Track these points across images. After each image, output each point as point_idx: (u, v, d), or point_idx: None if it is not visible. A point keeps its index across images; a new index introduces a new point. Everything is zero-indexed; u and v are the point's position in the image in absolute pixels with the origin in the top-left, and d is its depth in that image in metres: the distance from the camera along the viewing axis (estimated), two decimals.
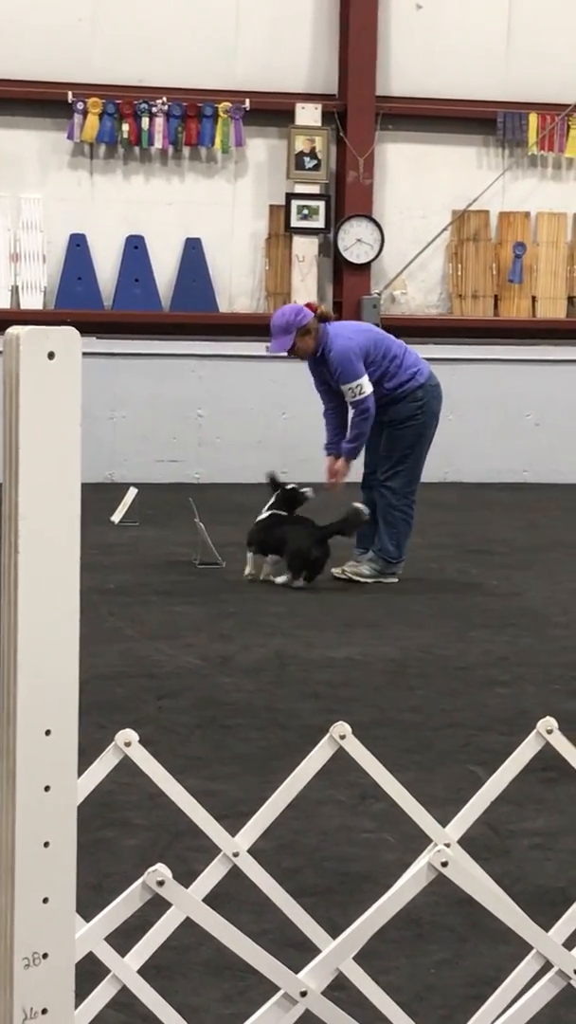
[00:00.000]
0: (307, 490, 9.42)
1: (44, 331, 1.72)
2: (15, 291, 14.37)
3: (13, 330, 1.72)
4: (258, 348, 14.60)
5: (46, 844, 1.79)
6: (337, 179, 15.17)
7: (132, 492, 11.41)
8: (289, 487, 9.45)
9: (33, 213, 14.42)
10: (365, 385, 9.18)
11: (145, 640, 7.54)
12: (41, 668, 1.76)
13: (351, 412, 9.26)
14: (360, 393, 9.15)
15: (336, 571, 9.41)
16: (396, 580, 9.36)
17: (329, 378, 9.32)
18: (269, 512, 9.37)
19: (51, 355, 1.71)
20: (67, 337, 1.73)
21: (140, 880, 2.23)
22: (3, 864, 1.79)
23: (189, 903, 2.25)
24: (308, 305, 9.55)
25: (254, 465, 14.46)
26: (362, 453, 9.59)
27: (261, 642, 7.58)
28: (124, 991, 2.38)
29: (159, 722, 6.01)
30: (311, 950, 2.40)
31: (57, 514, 1.74)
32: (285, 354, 9.47)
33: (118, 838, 4.67)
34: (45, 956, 1.81)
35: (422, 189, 15.35)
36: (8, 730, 1.76)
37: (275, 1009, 2.31)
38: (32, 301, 14.39)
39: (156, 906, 2.33)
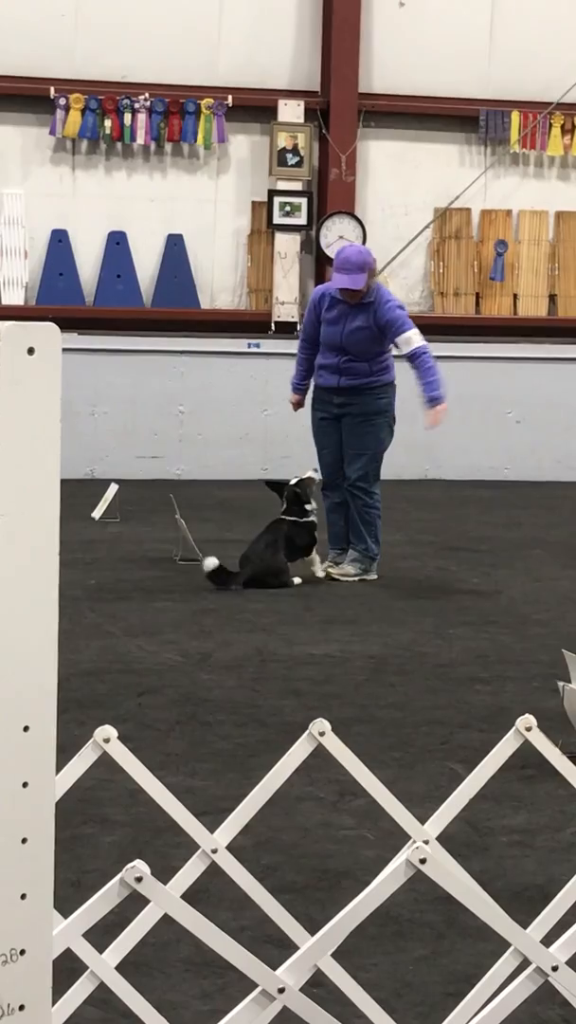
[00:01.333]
0: (310, 473, 9.40)
1: (24, 327, 1.71)
2: None
3: None
4: (240, 345, 14.61)
5: (24, 840, 1.79)
6: (319, 176, 15.18)
7: (113, 488, 11.41)
8: (292, 483, 9.42)
9: (15, 208, 14.40)
10: (418, 332, 9.35)
11: (125, 637, 7.54)
12: (20, 664, 1.76)
13: (417, 361, 9.22)
14: (420, 340, 9.28)
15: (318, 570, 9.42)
16: (376, 576, 9.37)
17: (355, 331, 9.27)
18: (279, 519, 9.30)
19: (31, 351, 1.70)
20: (47, 333, 1.73)
21: (118, 876, 2.23)
22: None
23: (167, 900, 2.25)
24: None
25: (236, 461, 14.48)
26: (315, 459, 9.64)
27: (241, 639, 7.58)
28: (102, 987, 2.38)
29: (139, 719, 6.00)
30: (289, 947, 2.40)
31: (36, 510, 1.73)
32: (339, 291, 9.28)
33: (97, 834, 4.66)
34: (23, 952, 1.81)
35: (404, 186, 15.37)
36: None
37: (253, 1006, 2.31)
38: (13, 297, 14.37)
39: (135, 902, 2.33)
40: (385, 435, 9.44)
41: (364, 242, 14.94)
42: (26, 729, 1.77)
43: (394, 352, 9.39)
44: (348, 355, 9.33)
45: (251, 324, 14.92)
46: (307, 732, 2.33)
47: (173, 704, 6.27)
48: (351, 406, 9.35)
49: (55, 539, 1.77)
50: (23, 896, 1.80)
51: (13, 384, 1.69)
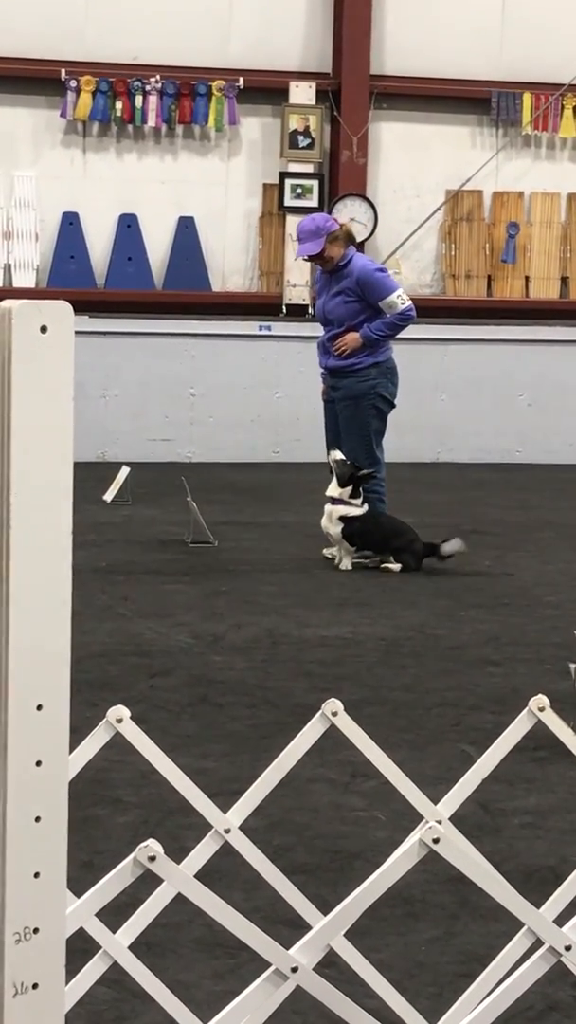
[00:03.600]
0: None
1: (37, 305, 1.71)
2: (7, 269, 14.35)
3: (6, 304, 1.71)
4: (251, 327, 14.59)
5: (37, 819, 1.79)
6: (331, 158, 15.14)
7: (124, 471, 11.41)
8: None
9: (26, 191, 14.39)
10: (404, 295, 9.32)
11: (137, 618, 7.54)
12: (33, 643, 1.76)
13: (392, 315, 9.26)
14: (406, 300, 9.31)
15: (327, 552, 9.41)
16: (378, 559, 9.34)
17: (331, 297, 9.31)
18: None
19: (43, 329, 1.70)
20: (60, 311, 1.72)
21: (131, 856, 2.23)
22: None
23: (181, 879, 2.25)
24: (335, 220, 9.63)
25: (247, 444, 14.48)
26: (323, 445, 9.61)
27: (253, 621, 7.58)
28: (115, 967, 2.38)
29: (151, 700, 6.01)
30: (302, 927, 2.40)
31: (49, 488, 1.73)
32: (307, 259, 9.45)
33: (109, 815, 4.67)
34: (36, 931, 1.81)
35: (416, 168, 15.33)
36: (0, 705, 1.76)
37: (266, 985, 2.31)
38: (24, 279, 14.36)
39: (147, 883, 2.33)
40: (370, 417, 9.39)
41: (376, 224, 14.93)
42: (39, 708, 1.78)
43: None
44: (331, 328, 9.39)
45: (262, 307, 14.90)
46: (320, 712, 2.33)
47: (185, 686, 6.27)
48: (338, 389, 9.44)
49: (68, 520, 1.76)
50: (37, 875, 1.80)
51: (26, 362, 1.69)
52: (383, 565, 9.09)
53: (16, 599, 1.74)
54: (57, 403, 1.71)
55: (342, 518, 9.03)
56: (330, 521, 9.07)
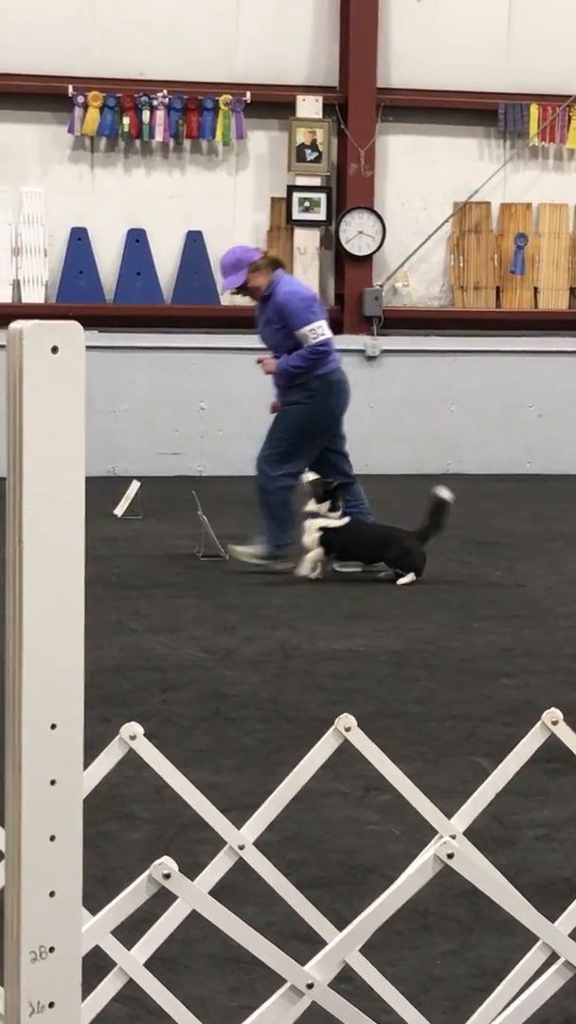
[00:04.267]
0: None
1: (47, 325, 1.72)
2: (16, 285, 14.38)
3: (16, 324, 1.72)
4: (260, 341, 14.59)
5: (52, 838, 1.79)
6: (338, 171, 15.16)
7: (135, 485, 11.41)
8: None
9: (34, 207, 14.42)
10: (323, 328, 9.21)
11: (148, 633, 7.54)
12: (47, 661, 1.76)
13: (305, 349, 9.22)
14: (320, 335, 9.19)
15: (337, 567, 9.40)
16: (290, 567, 9.27)
17: (265, 325, 9.35)
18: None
19: (55, 349, 1.70)
20: (70, 331, 1.73)
21: (146, 873, 2.23)
22: (10, 857, 1.79)
23: (195, 895, 2.25)
24: (256, 249, 9.72)
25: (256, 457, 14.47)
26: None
27: (264, 634, 7.58)
28: (130, 984, 2.38)
29: (163, 715, 6.01)
30: (317, 942, 2.40)
31: (62, 507, 1.74)
32: (235, 291, 9.49)
33: (124, 831, 4.67)
34: (52, 950, 1.81)
35: (423, 181, 15.35)
36: (14, 724, 1.76)
37: (281, 1001, 2.31)
38: (34, 295, 14.38)
39: (162, 899, 2.33)
40: (299, 420, 9.38)
41: (383, 237, 14.94)
42: (53, 727, 1.78)
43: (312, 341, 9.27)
44: (272, 352, 9.43)
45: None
46: (333, 727, 2.33)
47: (197, 700, 6.27)
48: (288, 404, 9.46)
49: (80, 537, 1.77)
50: (52, 893, 1.80)
51: (37, 383, 1.69)
52: (398, 581, 9.10)
53: (30, 617, 1.74)
54: (69, 422, 1.72)
55: (321, 529, 9.10)
56: (309, 535, 9.13)
